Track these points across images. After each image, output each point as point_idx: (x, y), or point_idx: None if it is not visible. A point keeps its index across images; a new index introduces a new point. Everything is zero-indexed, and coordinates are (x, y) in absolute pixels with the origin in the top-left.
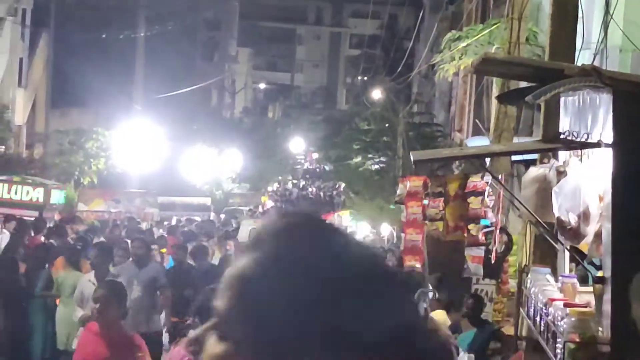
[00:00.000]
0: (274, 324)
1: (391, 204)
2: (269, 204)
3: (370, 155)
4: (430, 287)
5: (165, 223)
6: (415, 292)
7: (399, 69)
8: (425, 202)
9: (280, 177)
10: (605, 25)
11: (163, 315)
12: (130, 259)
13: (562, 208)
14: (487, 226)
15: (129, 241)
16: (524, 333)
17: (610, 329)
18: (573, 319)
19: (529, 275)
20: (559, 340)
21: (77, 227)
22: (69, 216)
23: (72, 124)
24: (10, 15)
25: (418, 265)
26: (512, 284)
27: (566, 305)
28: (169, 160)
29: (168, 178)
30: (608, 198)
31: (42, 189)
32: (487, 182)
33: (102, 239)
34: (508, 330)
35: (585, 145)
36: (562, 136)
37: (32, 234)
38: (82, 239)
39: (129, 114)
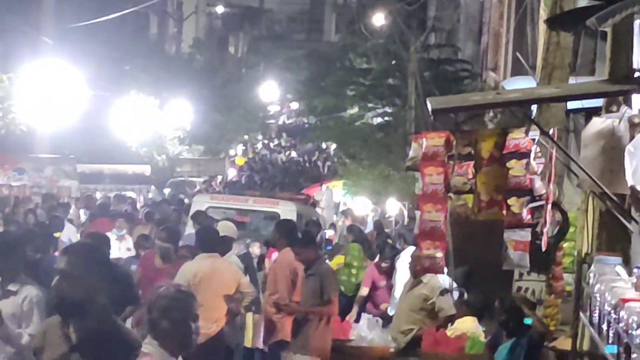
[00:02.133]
0: None
1: (401, 171)
2: (232, 173)
3: (370, 105)
4: (455, 285)
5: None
6: None
7: None
8: (449, 167)
9: (246, 137)
10: None
11: None
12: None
13: (638, 173)
14: (533, 200)
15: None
16: (585, 346)
17: None
18: None
19: (592, 267)
20: (634, 355)
21: None
22: None
23: None
24: None
25: (439, 254)
26: (568, 279)
27: None
28: (92, 115)
29: (91, 139)
30: None
31: None
32: (534, 140)
33: None
34: (563, 343)
35: None
36: (637, 74)
37: None
38: None
39: (35, 51)
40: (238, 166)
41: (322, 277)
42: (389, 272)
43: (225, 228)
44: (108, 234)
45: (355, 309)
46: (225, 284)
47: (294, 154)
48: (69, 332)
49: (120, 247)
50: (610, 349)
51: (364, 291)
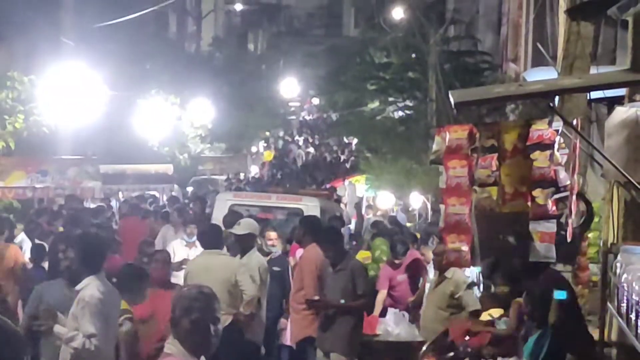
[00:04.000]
0: None
1: (424, 164)
2: (254, 170)
3: (391, 99)
4: (482, 278)
5: (115, 202)
6: None
7: None
8: (473, 160)
9: (268, 133)
10: None
11: None
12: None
13: None
14: (558, 191)
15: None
16: (613, 336)
17: None
18: None
19: (619, 257)
20: None
21: None
22: None
23: None
24: None
25: (464, 247)
26: (594, 269)
27: None
28: (114, 115)
29: (113, 139)
30: None
31: None
32: (557, 131)
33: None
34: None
35: None
36: None
37: None
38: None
39: (56, 52)
40: (265, 162)
41: (354, 272)
42: (413, 266)
43: (247, 226)
44: (178, 240)
45: (379, 306)
46: (218, 279)
47: (315, 149)
48: None
49: (190, 254)
50: None
51: (382, 294)
